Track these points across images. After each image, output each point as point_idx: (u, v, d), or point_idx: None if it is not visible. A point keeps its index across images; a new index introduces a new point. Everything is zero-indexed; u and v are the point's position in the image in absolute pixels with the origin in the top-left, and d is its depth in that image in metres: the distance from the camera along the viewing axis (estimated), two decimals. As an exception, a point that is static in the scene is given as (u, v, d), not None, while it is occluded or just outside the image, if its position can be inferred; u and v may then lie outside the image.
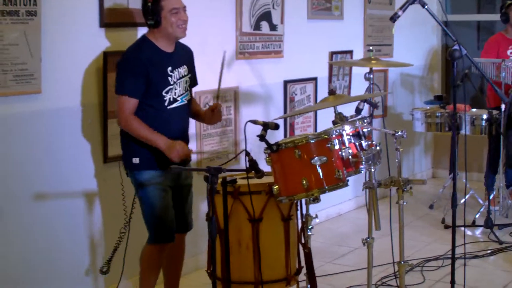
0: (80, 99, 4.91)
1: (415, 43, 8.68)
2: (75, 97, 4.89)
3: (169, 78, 4.54)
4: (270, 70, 6.51)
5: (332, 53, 7.24)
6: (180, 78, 4.60)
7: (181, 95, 4.61)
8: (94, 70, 4.97)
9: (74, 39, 4.85)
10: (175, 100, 4.57)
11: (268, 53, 6.43)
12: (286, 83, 6.71)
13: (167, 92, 4.52)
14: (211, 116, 4.81)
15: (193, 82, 4.82)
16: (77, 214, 4.98)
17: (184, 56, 4.72)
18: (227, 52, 5.00)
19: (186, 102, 4.67)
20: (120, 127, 4.57)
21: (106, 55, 4.98)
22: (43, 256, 4.77)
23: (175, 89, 4.56)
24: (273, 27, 6.46)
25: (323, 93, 7.12)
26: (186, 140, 4.69)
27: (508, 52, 7.42)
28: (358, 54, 7.59)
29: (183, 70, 4.64)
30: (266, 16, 6.37)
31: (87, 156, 5.00)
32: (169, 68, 4.54)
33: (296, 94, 6.81)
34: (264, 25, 6.36)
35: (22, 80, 4.53)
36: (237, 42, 6.10)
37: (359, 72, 7.44)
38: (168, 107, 4.55)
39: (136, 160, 4.54)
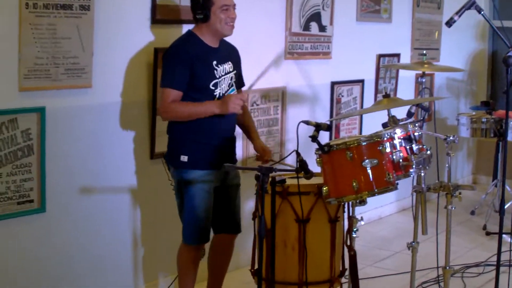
0: (130, 94, 4.91)
1: (459, 48, 8.61)
2: (125, 93, 4.89)
3: (215, 72, 4.51)
4: (318, 71, 6.48)
5: (380, 56, 7.21)
6: (225, 74, 4.57)
7: (227, 91, 4.58)
8: (145, 66, 4.97)
9: (125, 35, 4.86)
10: (222, 97, 4.54)
11: (316, 54, 6.42)
12: (333, 84, 6.68)
13: (214, 86, 4.50)
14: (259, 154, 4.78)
15: (239, 81, 4.79)
16: (121, 209, 4.98)
17: (230, 54, 4.69)
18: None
19: None
20: (164, 118, 4.54)
21: (156, 51, 4.97)
22: (85, 251, 4.77)
23: (221, 84, 4.54)
24: (322, 28, 6.44)
25: (369, 95, 7.11)
26: (233, 138, 4.68)
27: None
28: (405, 58, 7.55)
29: (228, 66, 4.61)
30: (315, 17, 6.36)
31: (134, 151, 5.01)
32: (214, 62, 4.52)
33: (342, 96, 6.79)
34: (314, 26, 6.34)
35: (73, 74, 4.54)
36: (286, 42, 6.08)
37: (405, 75, 7.44)
38: None
39: (184, 158, 4.48)
